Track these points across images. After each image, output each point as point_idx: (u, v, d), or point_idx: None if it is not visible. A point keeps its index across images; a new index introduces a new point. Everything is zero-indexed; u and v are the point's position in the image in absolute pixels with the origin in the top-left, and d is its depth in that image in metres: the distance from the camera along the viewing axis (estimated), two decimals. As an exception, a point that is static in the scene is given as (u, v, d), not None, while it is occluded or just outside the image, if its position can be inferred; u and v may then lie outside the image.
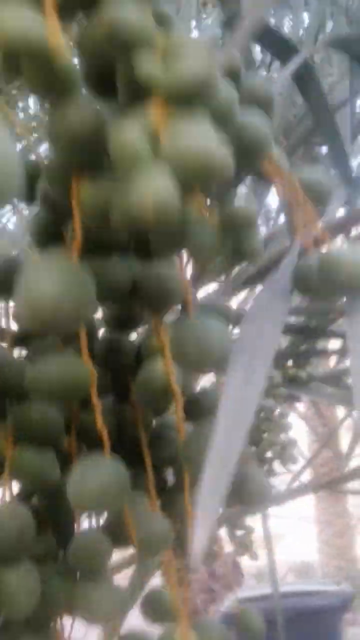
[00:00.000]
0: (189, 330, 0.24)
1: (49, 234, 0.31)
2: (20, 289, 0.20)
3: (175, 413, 0.29)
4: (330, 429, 1.84)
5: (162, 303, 0.30)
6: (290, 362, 1.21)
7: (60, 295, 0.20)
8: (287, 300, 0.29)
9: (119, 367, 0.36)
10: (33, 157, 0.31)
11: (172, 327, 0.26)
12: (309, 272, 0.29)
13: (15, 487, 0.32)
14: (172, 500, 0.37)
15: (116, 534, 0.32)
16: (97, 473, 0.25)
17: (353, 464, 1.30)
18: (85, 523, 0.35)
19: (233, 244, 0.25)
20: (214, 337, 0.24)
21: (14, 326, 0.34)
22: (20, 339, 0.34)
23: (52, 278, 0.20)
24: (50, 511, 0.33)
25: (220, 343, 0.24)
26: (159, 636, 0.33)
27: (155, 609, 0.39)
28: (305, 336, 0.78)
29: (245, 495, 0.36)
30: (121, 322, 0.36)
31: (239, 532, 1.18)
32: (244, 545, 1.17)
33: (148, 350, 0.31)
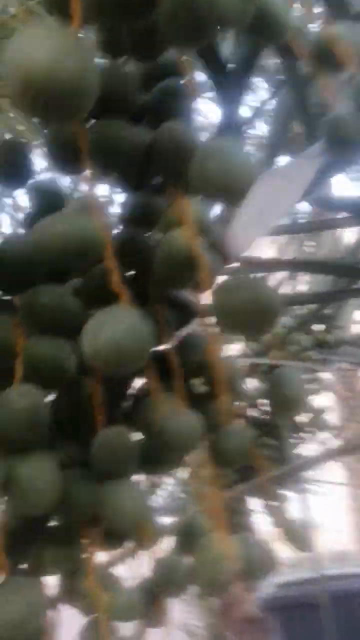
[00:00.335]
0: (214, 149, 0.21)
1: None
2: (12, 51, 0.17)
3: (199, 282, 0.26)
4: (357, 397, 1.80)
5: (179, 164, 0.27)
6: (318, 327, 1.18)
7: (55, 56, 0.17)
8: (321, 153, 0.26)
9: (137, 267, 0.33)
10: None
11: (196, 154, 0.23)
12: (342, 118, 0.26)
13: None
14: (202, 409, 0.34)
15: (142, 428, 0.29)
16: (115, 322, 0.22)
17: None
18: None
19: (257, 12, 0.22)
20: (239, 158, 0.21)
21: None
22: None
23: (48, 41, 0.17)
24: (71, 411, 0.30)
25: (246, 165, 0.21)
26: (198, 544, 0.30)
27: (190, 537, 0.36)
28: (348, 276, 0.75)
29: (280, 399, 0.33)
30: (137, 215, 0.33)
31: (274, 504, 1.14)
32: (278, 515, 1.13)
33: (167, 225, 0.28)
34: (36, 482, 0.25)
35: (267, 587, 2.16)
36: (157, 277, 0.29)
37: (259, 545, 0.32)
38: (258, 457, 0.35)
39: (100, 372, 0.24)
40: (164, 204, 0.32)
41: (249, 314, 0.21)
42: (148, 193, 0.33)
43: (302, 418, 1.19)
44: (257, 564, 0.31)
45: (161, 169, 0.28)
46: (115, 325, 0.22)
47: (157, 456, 0.34)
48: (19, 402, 0.25)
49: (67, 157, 0.28)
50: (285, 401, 0.32)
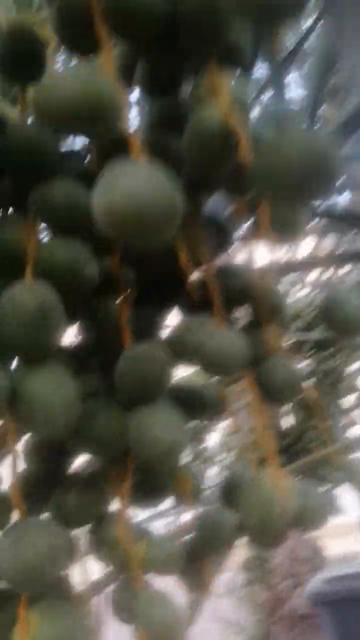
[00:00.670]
0: None
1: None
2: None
3: (238, 155, 0.22)
4: None
5: (212, 26, 0.22)
6: None
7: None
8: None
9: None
10: None
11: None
12: None
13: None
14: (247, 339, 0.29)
15: (177, 347, 0.25)
16: (134, 173, 0.17)
17: None
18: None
19: None
20: None
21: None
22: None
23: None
24: (93, 333, 0.26)
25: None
26: (247, 485, 0.26)
27: (236, 487, 0.32)
28: None
29: (339, 319, 0.29)
30: (163, 116, 0.29)
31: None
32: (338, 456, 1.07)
33: (197, 101, 0.24)
34: (47, 397, 0.21)
35: (316, 581, 2.10)
36: (188, 165, 0.24)
37: (315, 489, 0.28)
38: (309, 391, 0.30)
39: (117, 240, 0.20)
40: (192, 103, 0.28)
41: (302, 169, 0.17)
42: (174, 86, 0.28)
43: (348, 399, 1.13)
44: (314, 508, 0.27)
45: (191, 34, 0.23)
46: (136, 175, 0.17)
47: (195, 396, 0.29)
48: (27, 300, 0.21)
49: (78, 30, 0.24)
50: (344, 321, 0.28)
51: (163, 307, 0.32)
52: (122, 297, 0.27)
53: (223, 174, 0.25)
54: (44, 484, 0.27)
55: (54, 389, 0.21)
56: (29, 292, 0.21)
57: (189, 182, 0.27)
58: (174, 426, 0.23)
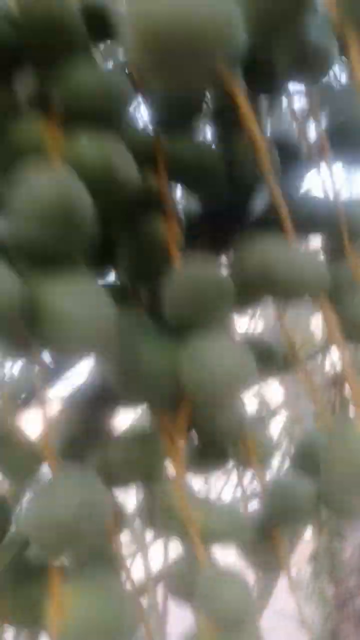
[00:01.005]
0: None
1: None
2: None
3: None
4: None
5: None
6: None
7: None
8: None
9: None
10: None
11: None
12: None
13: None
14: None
15: (239, 268, 0.20)
16: None
17: None
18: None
19: None
20: None
21: None
22: None
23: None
24: (136, 254, 0.22)
25: None
26: (332, 435, 0.21)
27: (314, 451, 0.27)
28: None
29: None
30: None
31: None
32: None
33: None
34: (75, 304, 0.16)
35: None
36: (247, 31, 0.19)
37: None
38: None
39: (154, 75, 0.15)
40: None
41: None
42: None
43: None
44: None
45: None
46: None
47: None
48: (47, 188, 0.16)
49: None
50: None
51: (219, 238, 0.27)
52: (168, 217, 0.22)
53: (292, 50, 0.20)
54: (81, 441, 0.23)
55: (83, 298, 0.17)
56: (49, 178, 0.17)
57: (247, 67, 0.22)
58: (239, 358, 0.18)
